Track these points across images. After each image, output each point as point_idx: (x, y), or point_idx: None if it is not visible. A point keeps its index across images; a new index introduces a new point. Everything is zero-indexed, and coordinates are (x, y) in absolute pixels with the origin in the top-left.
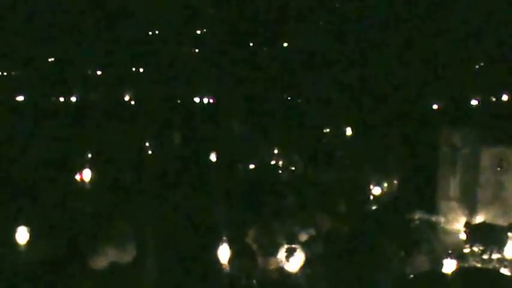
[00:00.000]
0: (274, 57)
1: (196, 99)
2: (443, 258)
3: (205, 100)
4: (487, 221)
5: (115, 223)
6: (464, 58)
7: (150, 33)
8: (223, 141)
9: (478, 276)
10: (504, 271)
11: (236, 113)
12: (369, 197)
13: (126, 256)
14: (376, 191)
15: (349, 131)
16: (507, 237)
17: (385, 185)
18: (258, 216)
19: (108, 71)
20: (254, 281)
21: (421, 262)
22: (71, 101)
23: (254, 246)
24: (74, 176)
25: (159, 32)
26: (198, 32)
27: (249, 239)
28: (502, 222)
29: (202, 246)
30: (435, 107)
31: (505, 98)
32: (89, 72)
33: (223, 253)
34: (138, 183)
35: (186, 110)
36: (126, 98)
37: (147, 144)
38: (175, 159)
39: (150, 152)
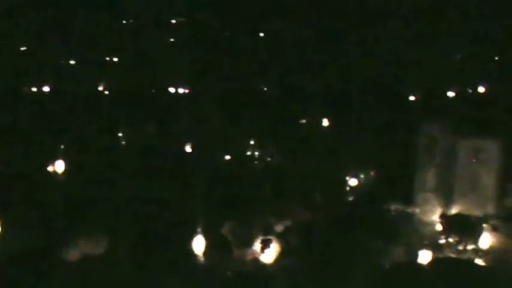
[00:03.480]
0: (251, 47)
1: (172, 89)
2: (419, 249)
3: (181, 90)
4: (463, 212)
5: (88, 215)
6: (441, 50)
7: (125, 21)
8: (198, 132)
9: (452, 267)
10: (478, 262)
11: (212, 104)
12: (346, 188)
13: (99, 248)
14: (352, 182)
15: (325, 122)
16: (482, 228)
17: (362, 176)
18: (234, 208)
19: (82, 60)
20: (229, 273)
21: (397, 253)
22: (44, 91)
23: (230, 238)
24: (47, 167)
25: (134, 21)
26: (173, 21)
27: (224, 231)
28: (477, 213)
29: (177, 237)
30: (412, 98)
31: (481, 90)
32: (62, 61)
33: (198, 245)
34: (112, 174)
35: (160, 100)
36: (100, 88)
37: (120, 134)
38: (149, 150)
39: (124, 143)
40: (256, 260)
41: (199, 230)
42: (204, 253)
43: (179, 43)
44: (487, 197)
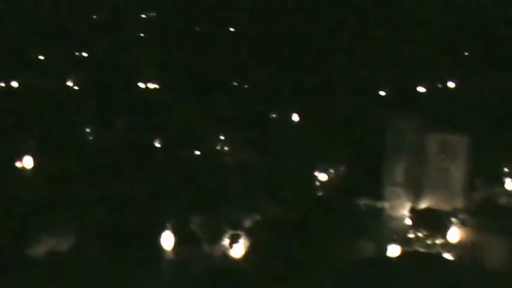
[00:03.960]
0: (221, 42)
1: (141, 85)
2: (388, 244)
3: (150, 85)
4: (432, 207)
5: (55, 211)
6: (412, 45)
7: (95, 16)
8: (168, 127)
9: (421, 261)
10: (447, 256)
11: (181, 98)
12: (315, 183)
13: (66, 244)
14: (322, 177)
15: (295, 117)
16: (451, 222)
17: (332, 171)
18: (203, 203)
19: (51, 55)
20: (198, 268)
21: (367, 247)
22: (12, 86)
23: (199, 233)
24: (15, 163)
25: (103, 16)
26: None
27: (193, 226)
28: (446, 207)
29: (146, 233)
30: (382, 93)
31: (451, 85)
32: (31, 56)
33: (167, 240)
34: (80, 170)
35: (130, 95)
36: (69, 83)
37: (88, 130)
38: (118, 145)
39: (92, 138)
40: (225, 256)
41: (168, 225)
42: (173, 249)
43: (148, 38)
44: (455, 191)
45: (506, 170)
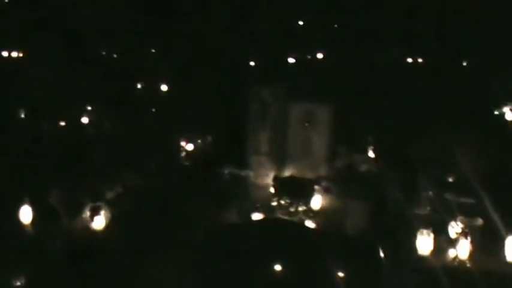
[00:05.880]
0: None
1: (4, 53)
2: (252, 212)
3: (14, 54)
4: (296, 175)
5: None
6: (282, 16)
7: None
8: (31, 97)
9: (281, 227)
10: (308, 223)
11: (47, 69)
12: (181, 154)
13: None
14: (189, 147)
15: (163, 87)
16: (313, 189)
17: (199, 141)
18: (63, 175)
19: None
20: (58, 242)
21: (230, 215)
22: None
23: (58, 206)
24: None
25: None
26: None
27: (52, 199)
28: (309, 175)
29: (2, 206)
30: (252, 63)
31: (320, 56)
32: None
33: (25, 215)
34: None
35: None
36: None
37: None
38: None
39: None
40: (86, 228)
41: (26, 199)
42: (32, 223)
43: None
44: (318, 160)
45: (368, 139)
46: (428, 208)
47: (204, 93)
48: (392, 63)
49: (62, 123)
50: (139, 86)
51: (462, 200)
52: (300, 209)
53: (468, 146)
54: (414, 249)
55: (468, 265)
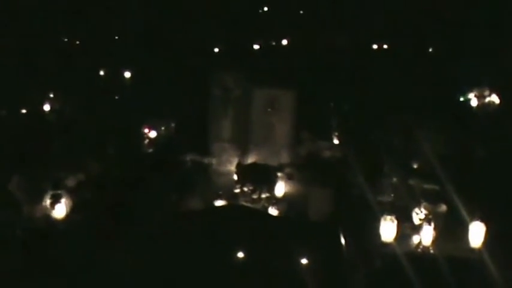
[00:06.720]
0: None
1: None
2: (214, 199)
3: None
4: (259, 162)
5: None
6: (247, 2)
7: None
8: None
9: (244, 214)
10: (271, 210)
11: (8, 56)
12: (144, 141)
13: None
14: (152, 134)
15: (126, 74)
16: (276, 176)
17: (162, 128)
18: (23, 163)
19: None
20: (19, 231)
21: (193, 202)
22: None
23: (18, 195)
24: None
25: None
26: None
27: (12, 187)
28: (272, 162)
29: None
30: (216, 50)
31: (284, 42)
32: None
33: None
34: None
35: None
36: None
37: None
38: None
39: None
40: (46, 216)
41: None
42: None
43: None
44: (282, 146)
45: (332, 125)
46: (392, 194)
47: (167, 80)
48: (357, 49)
49: (23, 111)
50: (102, 72)
51: (426, 186)
52: (263, 195)
53: (433, 132)
54: (378, 235)
55: (432, 251)
